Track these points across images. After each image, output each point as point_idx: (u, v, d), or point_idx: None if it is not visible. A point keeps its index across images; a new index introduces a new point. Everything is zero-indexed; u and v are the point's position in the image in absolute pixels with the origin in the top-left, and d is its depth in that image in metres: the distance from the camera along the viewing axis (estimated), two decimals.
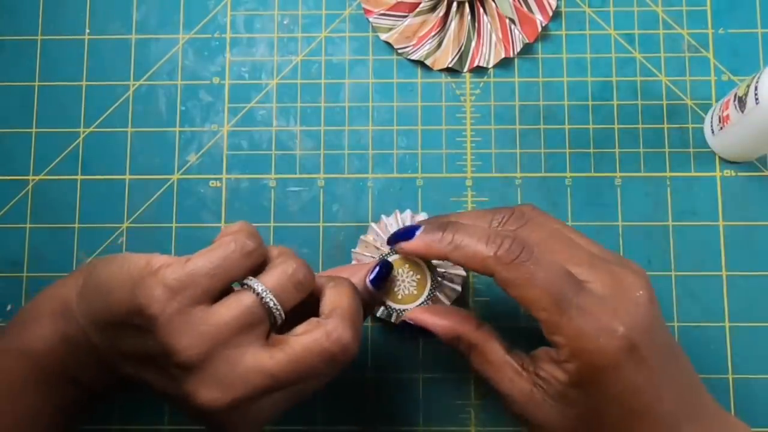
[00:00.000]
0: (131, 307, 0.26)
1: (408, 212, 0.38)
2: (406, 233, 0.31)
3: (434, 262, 0.35)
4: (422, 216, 0.38)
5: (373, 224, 0.38)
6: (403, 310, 0.34)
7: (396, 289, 0.34)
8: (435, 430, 0.38)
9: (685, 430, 0.28)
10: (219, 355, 0.25)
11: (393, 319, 0.35)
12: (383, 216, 0.38)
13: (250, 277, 0.27)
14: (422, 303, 0.34)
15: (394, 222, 0.38)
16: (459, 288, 0.36)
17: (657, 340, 0.28)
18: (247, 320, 0.26)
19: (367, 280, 0.32)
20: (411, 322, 0.33)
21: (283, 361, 0.26)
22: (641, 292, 0.28)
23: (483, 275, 0.29)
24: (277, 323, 0.27)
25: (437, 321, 0.32)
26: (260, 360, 0.26)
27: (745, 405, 0.38)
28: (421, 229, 0.31)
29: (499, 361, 0.30)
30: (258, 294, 0.26)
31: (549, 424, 0.29)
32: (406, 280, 0.34)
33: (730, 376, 0.38)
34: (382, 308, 0.35)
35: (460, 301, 0.37)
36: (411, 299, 0.34)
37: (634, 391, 0.27)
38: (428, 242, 0.30)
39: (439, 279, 0.35)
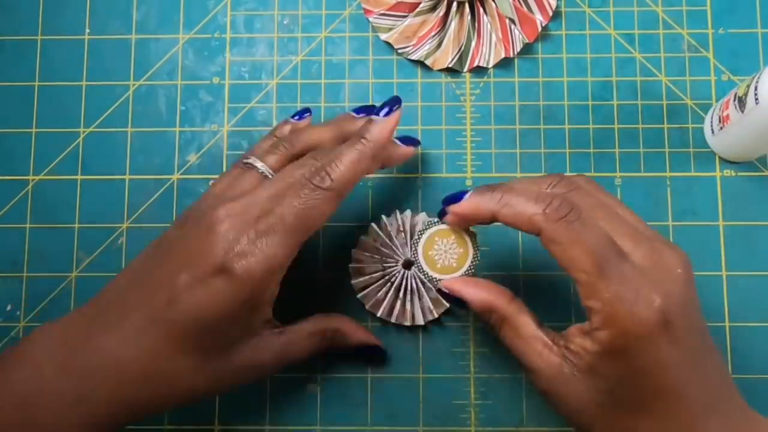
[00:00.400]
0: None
1: (408, 212, 0.38)
2: (455, 197, 0.32)
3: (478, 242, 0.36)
4: (422, 216, 0.38)
5: (373, 224, 0.38)
6: (439, 280, 0.34)
7: (437, 258, 0.34)
8: (435, 430, 0.38)
9: (711, 420, 0.27)
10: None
11: (378, 296, 0.37)
12: (383, 216, 0.38)
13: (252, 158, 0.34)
14: (468, 267, 0.35)
15: (394, 221, 0.38)
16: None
17: (692, 322, 0.28)
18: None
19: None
20: (446, 290, 0.33)
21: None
22: (680, 270, 0.28)
23: (530, 234, 0.29)
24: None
25: (471, 291, 0.32)
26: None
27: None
28: (471, 191, 0.32)
29: (529, 334, 0.30)
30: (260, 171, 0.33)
31: (575, 399, 0.29)
32: (448, 251, 0.34)
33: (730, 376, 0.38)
34: (365, 278, 0.37)
35: None
36: (449, 270, 0.34)
37: (664, 367, 0.27)
38: (477, 202, 0.31)
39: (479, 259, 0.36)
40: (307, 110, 0.38)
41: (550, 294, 0.39)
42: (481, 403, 0.38)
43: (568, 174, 0.32)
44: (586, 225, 0.28)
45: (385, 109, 0.33)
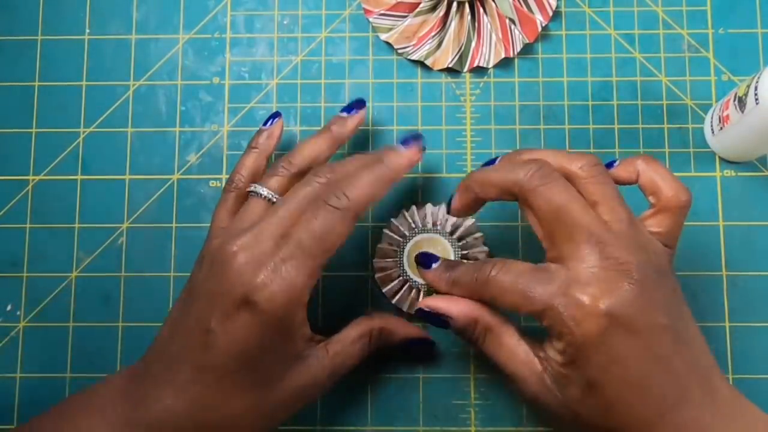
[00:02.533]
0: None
1: (413, 208, 0.38)
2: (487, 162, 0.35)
3: (458, 243, 0.37)
4: (429, 207, 0.38)
5: (385, 230, 0.38)
6: (424, 284, 0.36)
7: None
8: (435, 430, 0.38)
9: (681, 411, 0.28)
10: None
11: (412, 295, 0.37)
12: (392, 219, 0.39)
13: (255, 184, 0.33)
14: None
15: (403, 221, 0.38)
16: None
17: (648, 318, 0.28)
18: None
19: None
20: (427, 309, 0.33)
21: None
22: (634, 273, 0.28)
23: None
24: None
25: (455, 307, 0.32)
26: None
27: None
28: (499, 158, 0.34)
29: (513, 344, 0.31)
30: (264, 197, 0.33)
31: (556, 408, 0.29)
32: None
33: (730, 376, 0.38)
34: (395, 282, 0.37)
35: None
36: None
37: (622, 361, 0.27)
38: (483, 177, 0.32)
39: (464, 254, 0.37)
40: (276, 114, 0.38)
41: None
42: (481, 403, 0.38)
43: (582, 156, 0.32)
44: (506, 270, 0.30)
45: (410, 143, 0.34)
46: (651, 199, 0.32)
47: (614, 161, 0.33)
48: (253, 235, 0.30)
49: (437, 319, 0.32)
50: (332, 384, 0.33)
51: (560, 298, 0.28)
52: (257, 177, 0.35)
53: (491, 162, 0.34)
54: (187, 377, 0.30)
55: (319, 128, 0.41)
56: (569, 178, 0.31)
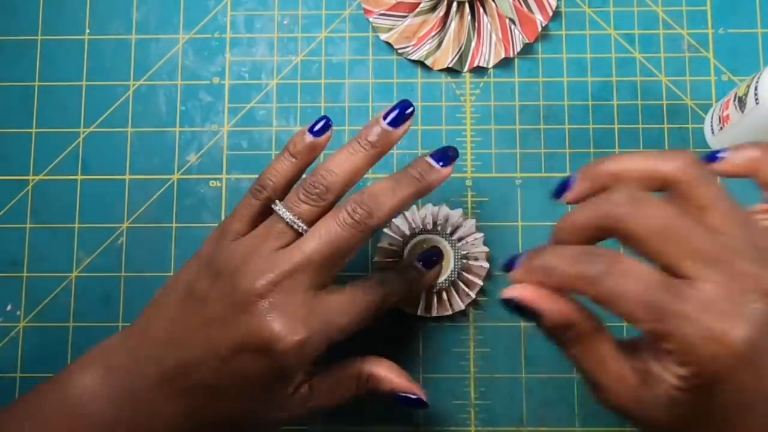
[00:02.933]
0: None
1: (413, 207, 0.38)
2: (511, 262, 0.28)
3: (458, 245, 0.37)
4: (429, 207, 0.38)
5: (384, 230, 0.38)
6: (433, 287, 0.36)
7: None
8: (435, 430, 0.38)
9: None
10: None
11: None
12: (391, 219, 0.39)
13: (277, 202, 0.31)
14: (449, 275, 0.37)
15: (403, 222, 0.38)
16: (486, 264, 0.38)
17: None
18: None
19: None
20: (512, 299, 0.26)
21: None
22: (757, 295, 0.24)
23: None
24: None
25: (546, 302, 0.26)
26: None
27: None
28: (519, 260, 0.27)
29: (607, 355, 0.26)
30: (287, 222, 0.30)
31: (656, 422, 0.26)
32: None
33: None
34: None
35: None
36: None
37: (748, 403, 0.24)
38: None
39: (464, 254, 0.37)
40: (326, 122, 0.33)
41: None
42: (481, 403, 0.38)
43: (680, 157, 0.26)
44: (624, 274, 0.24)
45: (444, 160, 0.32)
46: None
47: (718, 153, 0.28)
48: (282, 277, 0.29)
49: (524, 312, 0.26)
50: (310, 419, 0.34)
51: (693, 322, 0.23)
52: (287, 189, 0.32)
53: (566, 184, 0.28)
54: (181, 387, 0.30)
55: None
56: (666, 184, 0.26)
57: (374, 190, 0.30)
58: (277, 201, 0.31)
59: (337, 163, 0.31)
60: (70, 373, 0.31)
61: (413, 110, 0.32)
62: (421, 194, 0.31)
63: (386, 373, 0.33)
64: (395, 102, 0.32)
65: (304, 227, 0.30)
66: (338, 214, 0.30)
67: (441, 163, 0.32)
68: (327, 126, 0.32)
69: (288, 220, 0.30)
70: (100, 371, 0.31)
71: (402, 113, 0.32)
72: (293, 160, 0.32)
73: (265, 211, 0.32)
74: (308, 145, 0.32)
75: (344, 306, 0.30)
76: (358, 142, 0.31)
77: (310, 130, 0.32)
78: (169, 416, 0.30)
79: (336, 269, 0.30)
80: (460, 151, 0.40)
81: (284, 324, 0.28)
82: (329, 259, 0.30)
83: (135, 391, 0.30)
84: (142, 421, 0.30)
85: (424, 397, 0.33)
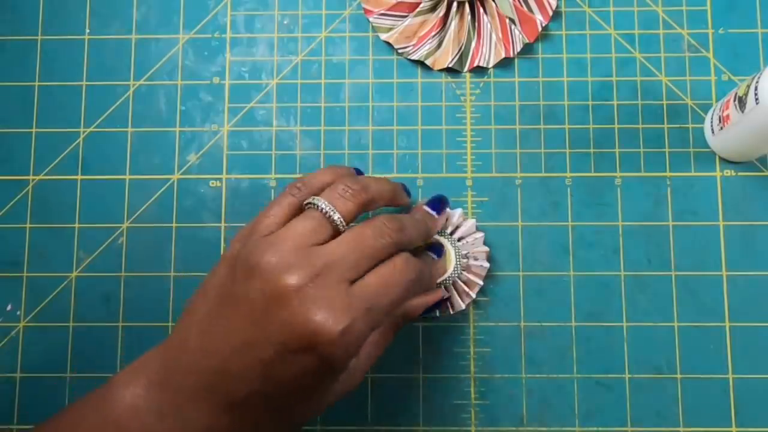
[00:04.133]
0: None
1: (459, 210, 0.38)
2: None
3: (458, 245, 0.38)
4: (459, 212, 0.38)
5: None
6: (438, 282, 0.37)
7: None
8: (435, 430, 0.38)
9: None
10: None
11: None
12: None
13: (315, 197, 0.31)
14: (452, 273, 0.37)
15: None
16: (486, 264, 0.38)
17: None
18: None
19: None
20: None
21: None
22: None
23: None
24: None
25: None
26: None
27: (745, 405, 0.38)
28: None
29: None
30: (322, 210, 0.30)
31: None
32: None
33: (730, 376, 0.38)
34: None
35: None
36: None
37: None
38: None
39: (465, 254, 0.38)
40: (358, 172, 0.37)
41: (550, 294, 0.39)
42: (481, 403, 0.38)
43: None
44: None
45: (440, 210, 0.37)
46: None
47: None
48: (320, 273, 0.28)
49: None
50: (362, 379, 0.33)
51: None
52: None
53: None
54: (225, 397, 0.29)
55: (318, 128, 0.41)
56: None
57: (401, 216, 0.33)
58: (314, 196, 0.31)
59: (372, 180, 0.34)
60: (112, 386, 0.30)
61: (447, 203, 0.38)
62: (428, 237, 0.36)
63: (418, 301, 0.34)
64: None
65: (341, 218, 0.30)
66: (373, 221, 0.31)
67: (436, 211, 0.37)
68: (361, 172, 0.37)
69: (325, 209, 0.30)
70: (142, 385, 0.30)
71: (440, 203, 0.37)
72: (335, 175, 0.34)
73: (299, 211, 0.32)
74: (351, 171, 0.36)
75: (381, 286, 0.29)
76: (388, 179, 0.35)
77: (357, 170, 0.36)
78: (220, 430, 0.29)
79: (367, 270, 0.30)
80: (460, 151, 0.41)
81: (326, 315, 0.27)
82: (362, 261, 0.29)
83: (178, 405, 0.29)
84: None
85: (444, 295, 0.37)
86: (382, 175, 0.40)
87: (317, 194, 0.32)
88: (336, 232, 0.30)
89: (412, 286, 0.31)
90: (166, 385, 0.29)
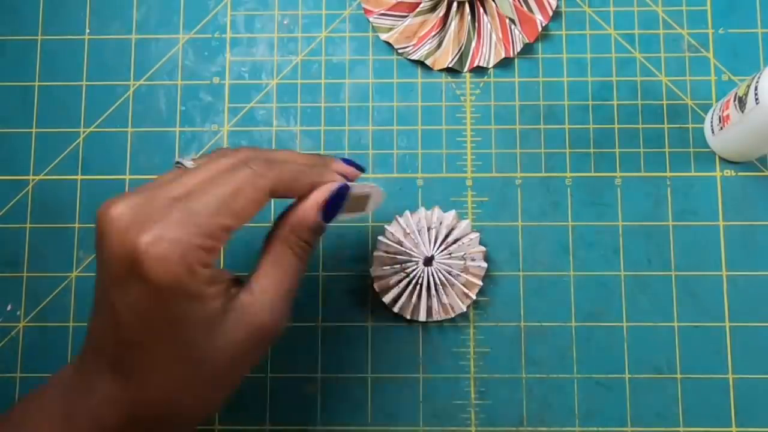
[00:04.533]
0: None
1: (407, 212, 0.38)
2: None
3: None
4: (422, 211, 0.38)
5: (379, 237, 0.38)
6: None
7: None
8: (435, 430, 0.38)
9: None
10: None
11: (413, 301, 0.37)
12: (385, 226, 0.39)
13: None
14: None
15: (398, 228, 0.38)
16: (484, 264, 0.38)
17: None
18: None
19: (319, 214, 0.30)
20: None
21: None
22: None
23: None
24: None
25: None
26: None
27: (745, 405, 0.38)
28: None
29: None
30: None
31: None
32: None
33: (730, 376, 0.38)
34: (394, 290, 0.37)
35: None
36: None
37: None
38: None
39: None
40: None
41: (550, 294, 0.39)
42: (481, 403, 0.38)
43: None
44: None
45: (351, 164, 0.32)
46: None
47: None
48: (143, 196, 0.25)
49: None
50: (282, 319, 0.29)
51: None
52: None
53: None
54: (111, 358, 0.26)
55: (318, 128, 0.41)
56: None
57: (283, 156, 0.29)
58: (184, 157, 0.29)
59: (274, 152, 0.30)
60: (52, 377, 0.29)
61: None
62: (316, 175, 0.30)
63: (305, 204, 0.30)
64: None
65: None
66: (237, 154, 0.28)
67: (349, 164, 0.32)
68: None
69: (189, 166, 0.28)
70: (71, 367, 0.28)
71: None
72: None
73: None
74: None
75: (198, 185, 0.26)
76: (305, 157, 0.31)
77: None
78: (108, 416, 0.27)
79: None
80: (460, 151, 0.41)
81: (143, 234, 0.24)
82: (205, 179, 0.27)
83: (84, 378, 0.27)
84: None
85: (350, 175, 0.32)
86: (383, 176, 0.40)
87: None
88: None
89: (246, 175, 0.27)
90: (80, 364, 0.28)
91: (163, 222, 0.25)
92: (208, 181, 0.26)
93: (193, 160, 0.29)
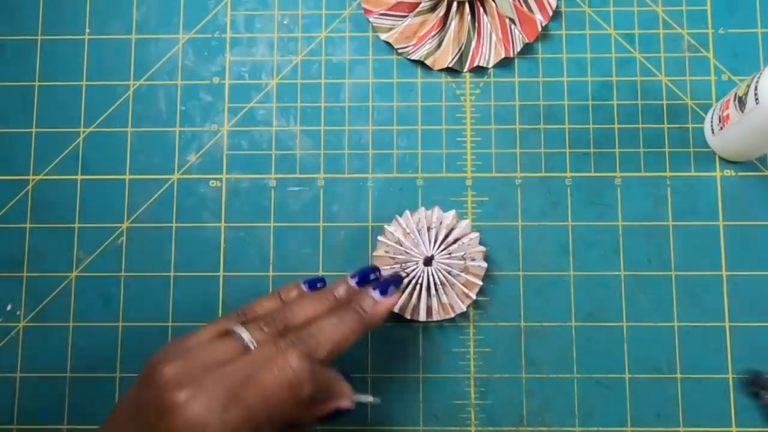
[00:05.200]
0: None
1: (407, 212, 0.38)
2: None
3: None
4: (422, 211, 0.38)
5: (379, 237, 0.38)
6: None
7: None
8: (435, 430, 0.38)
9: None
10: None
11: (412, 302, 0.37)
12: (385, 226, 0.39)
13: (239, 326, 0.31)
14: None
15: (398, 228, 0.38)
16: (484, 264, 0.38)
17: None
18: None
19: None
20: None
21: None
22: None
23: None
24: None
25: None
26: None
27: (745, 405, 0.38)
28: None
29: None
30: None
31: None
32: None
33: (730, 376, 0.38)
34: None
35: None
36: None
37: None
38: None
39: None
40: (321, 281, 0.35)
41: (550, 294, 0.39)
42: (481, 403, 0.38)
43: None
44: None
45: (391, 288, 0.34)
46: None
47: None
48: (210, 388, 0.28)
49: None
50: None
51: None
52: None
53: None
54: None
55: (318, 128, 0.41)
56: None
57: (313, 326, 0.32)
58: (240, 326, 0.32)
59: (301, 307, 0.33)
60: None
61: (378, 276, 0.35)
62: (368, 328, 0.33)
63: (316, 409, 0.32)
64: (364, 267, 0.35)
65: (254, 342, 0.31)
66: (279, 341, 0.31)
67: (384, 295, 0.34)
68: (324, 285, 0.35)
69: (244, 338, 0.31)
70: None
71: (366, 276, 0.35)
72: (281, 304, 0.34)
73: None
74: (293, 291, 0.35)
75: (257, 391, 0.29)
76: (326, 296, 0.34)
77: (307, 284, 0.35)
78: None
79: None
80: (460, 151, 0.41)
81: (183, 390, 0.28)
82: (257, 362, 0.30)
83: None
84: None
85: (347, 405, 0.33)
86: (383, 175, 0.40)
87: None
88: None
89: (292, 390, 0.29)
90: None
91: (219, 419, 0.28)
92: (257, 380, 0.29)
93: (249, 333, 0.31)
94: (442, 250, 0.38)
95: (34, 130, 0.41)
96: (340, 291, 0.34)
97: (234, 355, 0.30)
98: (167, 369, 0.29)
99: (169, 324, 0.39)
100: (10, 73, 0.42)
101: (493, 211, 0.40)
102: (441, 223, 0.38)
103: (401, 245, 0.38)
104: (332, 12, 0.42)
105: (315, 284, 0.35)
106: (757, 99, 0.34)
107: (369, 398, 0.34)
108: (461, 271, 0.37)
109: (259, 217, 0.40)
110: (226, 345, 0.31)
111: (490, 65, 0.41)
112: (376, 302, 0.33)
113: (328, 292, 0.34)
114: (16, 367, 0.39)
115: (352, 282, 0.34)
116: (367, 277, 0.35)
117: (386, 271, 0.38)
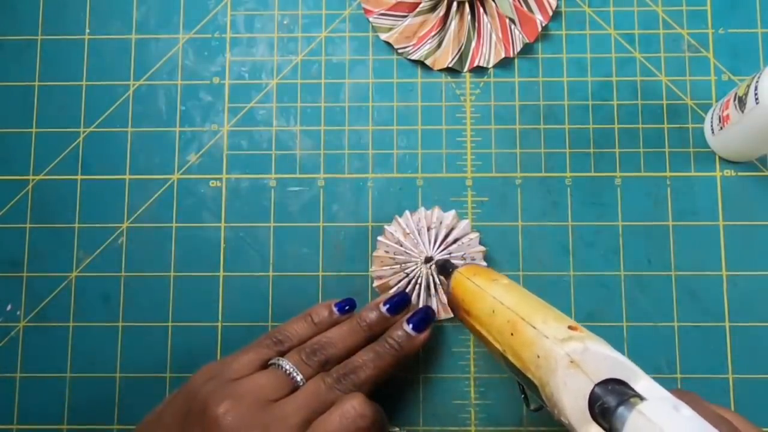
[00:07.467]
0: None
1: (406, 212, 0.38)
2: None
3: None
4: (422, 211, 0.38)
5: (379, 238, 0.38)
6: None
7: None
8: (435, 430, 0.38)
9: None
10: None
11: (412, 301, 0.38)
12: (385, 226, 0.39)
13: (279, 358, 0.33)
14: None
15: (398, 228, 0.38)
16: (484, 264, 0.38)
17: None
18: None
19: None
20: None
21: None
22: None
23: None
24: None
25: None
26: None
27: (745, 405, 0.38)
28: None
29: None
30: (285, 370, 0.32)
31: None
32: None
33: (730, 376, 0.38)
34: (394, 290, 0.37)
35: None
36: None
37: None
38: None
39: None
40: (350, 302, 0.36)
41: (550, 294, 0.39)
42: (481, 403, 0.38)
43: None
44: None
45: (421, 326, 0.35)
46: None
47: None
48: (273, 429, 0.30)
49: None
50: None
51: None
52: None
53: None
54: None
55: (318, 128, 0.41)
56: None
57: (356, 363, 0.33)
58: (282, 358, 0.33)
59: (339, 338, 0.34)
60: None
61: (409, 302, 0.36)
62: (402, 363, 0.34)
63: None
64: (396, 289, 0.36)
65: (303, 379, 0.32)
66: (326, 378, 0.32)
67: (419, 332, 0.35)
68: (352, 307, 0.36)
69: (289, 370, 0.32)
70: None
71: (400, 303, 0.36)
72: (314, 327, 0.35)
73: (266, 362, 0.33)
74: (332, 320, 0.35)
75: None
76: (358, 323, 0.35)
77: (337, 306, 0.36)
78: None
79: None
80: (460, 151, 0.41)
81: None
82: (311, 415, 0.31)
83: None
84: None
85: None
86: (383, 175, 0.40)
87: (295, 345, 0.34)
88: (296, 388, 0.32)
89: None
90: None
91: None
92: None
93: (301, 373, 0.33)
94: (441, 250, 0.38)
95: (34, 130, 0.41)
96: (372, 317, 0.35)
97: (284, 391, 0.31)
98: (221, 409, 0.29)
99: (169, 324, 0.39)
100: (10, 73, 0.42)
101: (493, 211, 0.40)
102: (441, 223, 0.38)
103: (401, 245, 0.38)
104: (332, 12, 0.42)
105: (344, 307, 0.36)
106: (757, 99, 0.34)
107: (395, 429, 0.37)
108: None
109: (259, 217, 0.40)
110: (274, 379, 0.32)
111: (490, 65, 0.41)
112: (410, 337, 0.34)
113: (361, 319, 0.35)
114: (16, 367, 0.39)
115: (383, 309, 0.35)
116: (399, 306, 0.36)
117: (386, 274, 0.38)
